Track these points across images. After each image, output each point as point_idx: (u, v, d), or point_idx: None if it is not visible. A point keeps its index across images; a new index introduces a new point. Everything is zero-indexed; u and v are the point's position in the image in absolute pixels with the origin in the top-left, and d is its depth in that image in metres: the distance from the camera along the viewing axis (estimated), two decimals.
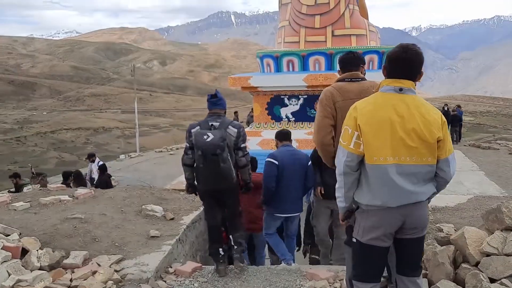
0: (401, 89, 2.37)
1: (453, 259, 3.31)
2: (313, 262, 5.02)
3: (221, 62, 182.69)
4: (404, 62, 2.36)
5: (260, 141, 9.13)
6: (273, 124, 9.44)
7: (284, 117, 9.41)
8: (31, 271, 3.51)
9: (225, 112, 4.00)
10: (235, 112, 19.31)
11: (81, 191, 5.84)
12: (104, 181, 9.32)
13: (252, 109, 12.73)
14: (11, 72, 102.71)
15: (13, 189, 9.25)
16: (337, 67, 3.57)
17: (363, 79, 3.34)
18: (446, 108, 20.34)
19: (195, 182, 3.98)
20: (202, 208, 4.80)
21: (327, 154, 3.17)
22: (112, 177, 11.18)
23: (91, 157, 10.90)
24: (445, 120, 2.47)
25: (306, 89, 9.01)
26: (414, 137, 2.31)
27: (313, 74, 8.81)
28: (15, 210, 4.95)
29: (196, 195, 4.18)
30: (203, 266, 4.05)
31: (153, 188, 6.72)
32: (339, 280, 3.54)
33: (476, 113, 51.83)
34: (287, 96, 9.36)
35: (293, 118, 9.37)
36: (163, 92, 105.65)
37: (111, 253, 3.88)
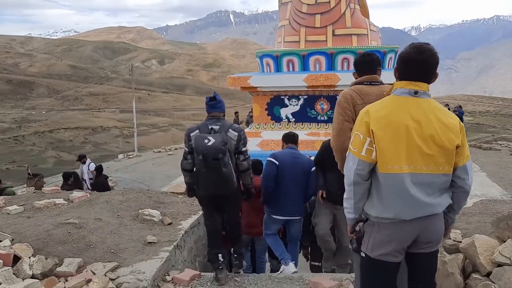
0: (416, 92, 2.22)
1: (462, 267, 3.20)
2: (314, 269, 4.88)
3: (220, 62, 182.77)
4: (419, 64, 2.20)
5: (259, 142, 9.01)
6: (273, 124, 9.31)
7: (284, 117, 9.28)
8: (23, 279, 3.38)
9: (224, 115, 3.87)
10: (236, 113, 19.01)
11: (76, 194, 5.70)
12: (101, 183, 9.17)
13: (251, 109, 12.59)
14: (9, 71, 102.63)
15: None
16: (347, 69, 3.43)
17: (381, 82, 3.21)
18: (447, 108, 20.28)
19: (195, 187, 3.85)
20: (201, 213, 4.67)
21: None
22: (110, 177, 11.05)
23: (81, 159, 10.71)
24: (463, 125, 2.32)
25: (306, 89, 8.88)
26: (432, 144, 2.15)
27: (314, 74, 8.68)
28: (8, 214, 4.84)
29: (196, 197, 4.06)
30: (202, 274, 3.93)
31: (150, 191, 6.58)
32: None
33: (475, 113, 51.88)
34: (287, 97, 9.23)
35: (293, 119, 9.24)
36: (162, 91, 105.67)
37: (106, 260, 3.75)
